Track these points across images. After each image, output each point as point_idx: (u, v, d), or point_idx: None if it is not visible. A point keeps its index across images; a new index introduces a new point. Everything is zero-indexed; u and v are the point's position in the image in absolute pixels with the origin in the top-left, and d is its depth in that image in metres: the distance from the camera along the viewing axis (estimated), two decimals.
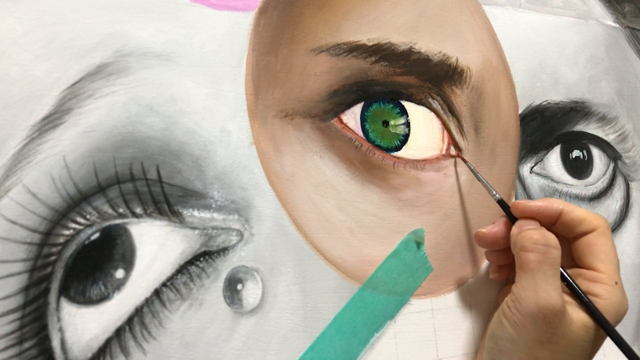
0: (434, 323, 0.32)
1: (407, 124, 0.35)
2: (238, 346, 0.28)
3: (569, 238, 0.31)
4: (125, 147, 0.28)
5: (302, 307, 0.30)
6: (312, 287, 0.30)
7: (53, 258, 0.26)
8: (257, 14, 0.32)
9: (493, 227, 0.32)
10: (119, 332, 0.26)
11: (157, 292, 0.27)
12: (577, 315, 0.28)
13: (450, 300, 0.33)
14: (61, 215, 0.26)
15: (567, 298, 0.29)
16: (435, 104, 0.35)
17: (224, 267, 0.28)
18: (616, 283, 0.29)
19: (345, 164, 0.32)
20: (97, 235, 0.26)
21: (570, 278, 0.29)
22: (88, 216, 0.26)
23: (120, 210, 0.27)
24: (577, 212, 0.30)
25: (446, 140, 0.36)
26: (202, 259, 0.28)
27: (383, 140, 0.34)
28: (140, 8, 0.30)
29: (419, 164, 0.34)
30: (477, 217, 0.35)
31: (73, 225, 0.26)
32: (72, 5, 0.28)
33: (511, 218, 0.31)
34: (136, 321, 0.26)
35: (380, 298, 0.31)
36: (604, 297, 0.28)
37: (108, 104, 0.28)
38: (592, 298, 0.28)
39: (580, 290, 0.29)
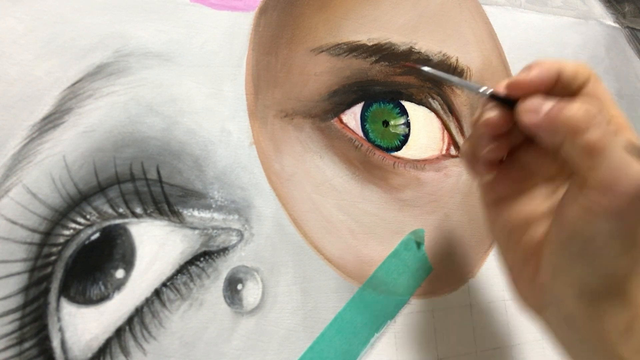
0: (434, 323, 0.32)
1: (407, 124, 0.35)
2: (238, 346, 0.28)
3: (563, 96, 0.26)
4: (126, 147, 0.28)
5: (302, 307, 0.30)
6: (312, 287, 0.30)
7: (53, 258, 0.26)
8: (257, 14, 0.32)
9: (493, 111, 0.26)
10: (119, 332, 0.26)
11: (157, 292, 0.27)
12: None
13: (450, 300, 0.33)
14: (61, 215, 0.26)
15: None
16: (435, 104, 0.35)
17: (224, 267, 0.28)
18: None
19: (345, 164, 0.32)
20: (97, 235, 0.27)
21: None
22: (88, 216, 0.26)
23: (120, 210, 0.27)
24: (569, 65, 0.26)
25: (446, 140, 0.36)
26: (202, 259, 0.28)
27: (383, 140, 0.34)
28: (140, 8, 0.30)
29: (419, 164, 0.34)
30: (477, 217, 0.35)
31: (73, 225, 0.26)
32: (72, 5, 0.28)
33: (511, 105, 0.25)
34: (136, 321, 0.26)
35: (380, 298, 0.31)
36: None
37: (108, 104, 0.28)
38: None
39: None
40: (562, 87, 0.25)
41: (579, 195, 0.23)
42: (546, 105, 0.24)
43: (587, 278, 0.24)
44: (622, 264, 0.23)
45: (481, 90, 0.26)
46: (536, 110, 0.24)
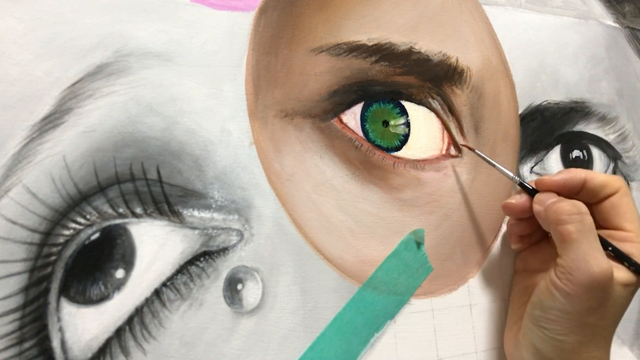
0: (434, 323, 0.32)
1: (407, 124, 0.35)
2: (238, 346, 0.28)
3: (590, 202, 0.32)
4: (126, 147, 0.28)
5: (302, 307, 0.30)
6: (312, 287, 0.30)
7: (53, 258, 0.26)
8: (257, 14, 0.32)
9: (520, 197, 0.32)
10: (119, 332, 0.26)
11: (157, 292, 0.27)
12: (619, 274, 0.29)
13: (450, 300, 0.33)
14: (61, 215, 0.26)
15: None
16: (435, 104, 0.35)
17: (224, 267, 0.28)
18: None
19: (345, 164, 0.32)
20: (97, 235, 0.26)
21: (606, 240, 0.30)
22: (88, 216, 0.26)
23: (120, 210, 0.27)
24: (599, 177, 0.31)
25: (446, 140, 0.36)
26: (202, 259, 0.28)
27: (383, 140, 0.34)
28: (140, 8, 0.30)
29: (419, 164, 0.34)
30: (477, 217, 0.35)
31: (73, 225, 0.26)
32: (72, 5, 0.28)
33: (532, 195, 0.32)
34: (136, 321, 0.26)
35: (380, 298, 0.31)
36: (635, 255, 0.29)
37: (108, 104, 0.28)
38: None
39: (619, 249, 0.29)
40: (588, 194, 0.31)
41: (551, 271, 0.29)
42: (549, 200, 0.30)
43: (541, 344, 0.29)
44: (571, 339, 0.28)
45: (513, 177, 0.33)
46: (542, 202, 0.31)
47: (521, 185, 0.33)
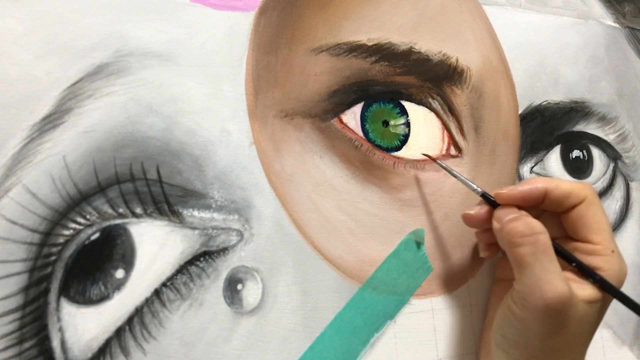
0: (434, 323, 0.32)
1: (407, 124, 0.35)
2: (238, 346, 0.28)
3: (557, 212, 0.30)
4: (125, 147, 0.28)
5: (302, 307, 0.30)
6: (312, 287, 0.30)
7: (53, 258, 0.26)
8: (257, 14, 0.32)
9: (480, 208, 0.31)
10: (119, 332, 0.26)
11: (157, 292, 0.27)
12: (582, 292, 0.27)
13: (450, 300, 0.33)
14: (61, 215, 0.26)
15: (569, 275, 0.28)
16: (435, 104, 0.35)
17: (224, 267, 0.28)
18: (613, 251, 0.28)
19: (345, 164, 0.32)
20: (97, 235, 0.26)
21: (570, 254, 0.28)
22: (88, 216, 0.26)
23: (120, 210, 0.27)
24: (563, 187, 0.29)
25: (446, 140, 0.36)
26: (202, 259, 0.28)
27: (383, 140, 0.34)
28: (140, 8, 0.30)
29: (419, 164, 0.34)
30: None
31: (73, 225, 0.26)
32: (72, 5, 0.28)
33: (495, 207, 0.31)
34: (136, 321, 0.26)
35: (380, 298, 0.31)
36: (604, 269, 0.28)
37: (108, 104, 0.28)
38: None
39: (583, 264, 0.28)
40: (551, 204, 0.29)
41: (508, 295, 0.28)
42: (506, 217, 0.29)
43: None
44: None
45: (476, 189, 0.31)
46: (499, 219, 0.29)
47: (483, 196, 0.31)
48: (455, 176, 0.32)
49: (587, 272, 0.28)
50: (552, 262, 0.27)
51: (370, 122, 0.34)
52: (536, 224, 0.28)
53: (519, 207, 0.30)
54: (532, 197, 0.29)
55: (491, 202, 0.31)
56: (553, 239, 0.28)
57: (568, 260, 0.28)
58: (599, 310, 0.28)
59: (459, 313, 0.33)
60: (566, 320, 0.26)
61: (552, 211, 0.30)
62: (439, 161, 0.33)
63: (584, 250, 0.29)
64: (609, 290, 0.27)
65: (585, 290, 0.27)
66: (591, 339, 0.28)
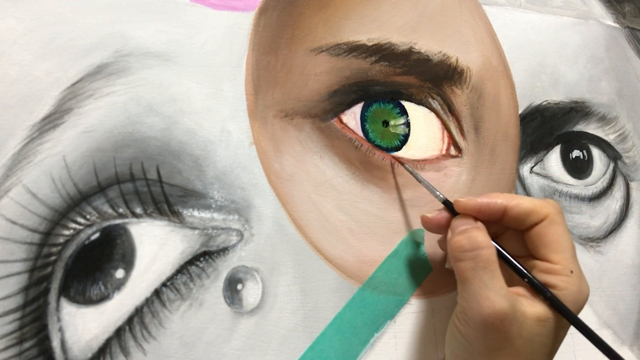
0: (434, 323, 0.32)
1: (407, 124, 0.35)
2: (238, 346, 0.28)
3: (519, 229, 0.29)
4: (125, 147, 0.28)
5: (302, 307, 0.30)
6: (312, 287, 0.30)
7: (53, 258, 0.26)
8: (257, 14, 0.32)
9: (439, 213, 0.30)
10: (119, 332, 0.26)
11: (157, 292, 0.27)
12: (532, 309, 0.26)
13: (450, 300, 0.33)
14: (61, 215, 0.26)
15: (521, 290, 0.27)
16: (435, 104, 0.35)
17: (224, 267, 0.28)
18: (572, 272, 0.27)
19: (345, 164, 0.32)
20: (97, 235, 0.27)
21: (521, 265, 0.28)
22: (88, 216, 0.26)
23: (120, 210, 0.27)
24: (524, 205, 0.28)
25: (446, 140, 0.36)
26: (202, 259, 0.28)
27: (383, 140, 0.34)
28: (140, 8, 0.30)
29: (419, 164, 0.34)
30: None
31: (73, 225, 0.26)
32: (72, 5, 0.28)
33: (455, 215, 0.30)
34: (136, 321, 0.26)
35: (380, 298, 0.31)
36: (560, 288, 0.27)
37: (108, 104, 0.28)
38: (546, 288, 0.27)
39: (533, 276, 0.27)
40: (511, 221, 0.29)
41: (454, 311, 0.28)
42: (458, 229, 0.28)
43: None
44: None
45: (439, 195, 0.30)
46: (453, 229, 0.29)
47: (445, 203, 0.30)
48: (420, 181, 0.32)
49: (537, 288, 0.27)
50: (493, 279, 0.26)
51: (370, 122, 0.34)
52: (481, 239, 0.27)
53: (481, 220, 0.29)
54: (489, 211, 0.29)
55: (452, 210, 0.30)
56: (515, 256, 0.28)
57: (521, 275, 0.28)
58: (553, 331, 0.26)
59: None
60: (510, 338, 0.25)
61: (514, 228, 0.29)
62: (406, 165, 0.33)
63: (542, 268, 0.28)
64: (560, 309, 0.26)
65: (535, 308, 0.26)
66: None
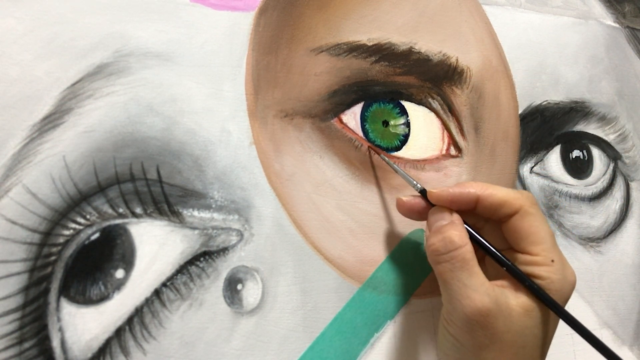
0: (434, 323, 0.32)
1: (407, 124, 0.35)
2: (238, 346, 0.28)
3: (495, 220, 0.29)
4: (125, 147, 0.28)
5: (302, 307, 0.30)
6: (312, 287, 0.30)
7: (53, 258, 0.26)
8: (257, 14, 0.32)
9: (413, 198, 0.30)
10: (119, 332, 0.26)
11: (157, 292, 0.27)
12: (516, 301, 0.26)
13: None
14: (61, 215, 0.26)
15: (505, 283, 0.27)
16: (435, 104, 0.35)
17: (224, 267, 0.28)
18: (552, 261, 0.27)
19: (345, 164, 0.32)
20: (97, 235, 0.27)
21: (501, 254, 0.28)
22: (88, 216, 0.26)
23: (120, 210, 0.27)
24: (496, 195, 0.28)
25: (446, 140, 0.36)
26: (202, 259, 0.28)
27: (383, 140, 0.34)
28: (140, 8, 0.30)
29: (419, 164, 0.34)
30: None
31: (73, 225, 0.26)
32: (72, 5, 0.28)
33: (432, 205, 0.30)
34: (136, 321, 0.26)
35: (380, 298, 0.31)
36: (543, 278, 0.27)
37: (108, 104, 0.28)
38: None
39: (515, 268, 0.27)
40: (485, 211, 0.29)
41: (442, 310, 0.28)
42: (434, 225, 0.28)
43: None
44: None
45: (415, 185, 0.30)
46: (430, 225, 0.29)
47: (421, 192, 0.30)
48: (396, 170, 0.32)
49: (518, 276, 0.27)
50: (471, 277, 0.26)
51: (370, 122, 0.34)
52: (455, 238, 0.27)
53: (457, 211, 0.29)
54: (462, 200, 0.28)
55: (428, 201, 0.30)
56: (499, 249, 0.28)
57: (501, 263, 0.27)
58: (541, 322, 0.26)
59: None
60: (497, 333, 0.25)
61: (494, 220, 0.29)
62: (382, 155, 0.33)
63: (523, 261, 0.27)
64: (539, 296, 0.26)
65: (519, 299, 0.26)
66: (543, 354, 0.27)
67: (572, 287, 0.28)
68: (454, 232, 0.27)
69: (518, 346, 0.26)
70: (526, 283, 0.26)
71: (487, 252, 0.28)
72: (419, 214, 0.30)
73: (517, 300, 0.26)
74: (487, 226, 0.30)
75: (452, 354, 0.27)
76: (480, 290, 0.26)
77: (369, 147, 0.33)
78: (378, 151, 0.33)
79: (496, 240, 0.29)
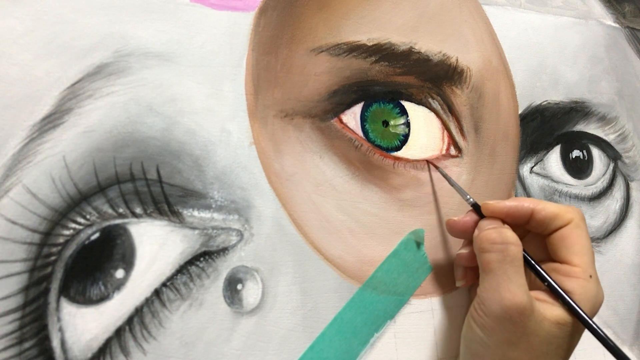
0: (434, 323, 0.32)
1: (407, 124, 0.35)
2: (238, 346, 0.28)
3: (543, 234, 0.30)
4: (125, 147, 0.28)
5: (302, 307, 0.30)
6: (312, 287, 0.30)
7: (53, 258, 0.26)
8: (257, 14, 0.32)
9: (465, 216, 0.31)
10: (119, 332, 0.26)
11: (157, 292, 0.27)
12: (551, 312, 0.27)
13: (450, 300, 0.33)
14: (61, 215, 0.26)
15: (540, 295, 0.28)
16: (435, 104, 0.35)
17: (224, 267, 0.28)
18: (590, 276, 0.28)
19: (345, 164, 0.32)
20: (97, 235, 0.27)
21: (542, 269, 0.28)
22: (88, 216, 0.26)
23: (120, 210, 0.27)
24: (549, 209, 0.29)
25: (446, 140, 0.36)
26: (202, 259, 0.28)
27: (383, 140, 0.34)
28: (140, 8, 0.30)
29: (419, 163, 0.34)
30: None
31: (73, 225, 0.26)
32: (72, 5, 0.28)
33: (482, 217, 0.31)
34: (136, 321, 0.26)
35: (380, 298, 0.31)
36: (577, 292, 0.27)
37: (108, 104, 0.28)
38: (565, 294, 0.28)
39: (554, 281, 0.28)
40: (537, 225, 0.30)
41: (472, 303, 0.28)
42: (485, 227, 0.29)
43: None
44: None
45: (469, 199, 0.31)
46: (481, 228, 0.29)
47: (474, 206, 0.31)
48: (452, 185, 0.33)
49: (556, 294, 0.28)
50: (517, 274, 0.27)
51: (370, 122, 0.34)
52: (510, 235, 0.28)
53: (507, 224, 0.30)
54: (517, 214, 0.29)
55: (480, 214, 0.30)
56: (535, 261, 0.29)
57: (541, 279, 0.28)
58: (570, 334, 0.27)
59: (459, 313, 0.33)
60: (526, 333, 0.26)
61: (537, 233, 0.30)
62: (440, 169, 0.34)
63: (562, 271, 0.28)
64: (577, 316, 0.27)
65: (554, 312, 0.27)
66: None
67: (600, 305, 0.29)
68: (509, 231, 0.28)
69: (542, 352, 0.26)
70: (566, 301, 0.27)
71: (530, 266, 0.29)
72: (471, 232, 0.30)
73: (552, 312, 0.27)
74: (527, 237, 0.31)
75: (475, 348, 0.28)
76: (522, 288, 0.26)
77: (427, 161, 0.34)
78: (435, 164, 0.34)
79: (535, 251, 0.30)
